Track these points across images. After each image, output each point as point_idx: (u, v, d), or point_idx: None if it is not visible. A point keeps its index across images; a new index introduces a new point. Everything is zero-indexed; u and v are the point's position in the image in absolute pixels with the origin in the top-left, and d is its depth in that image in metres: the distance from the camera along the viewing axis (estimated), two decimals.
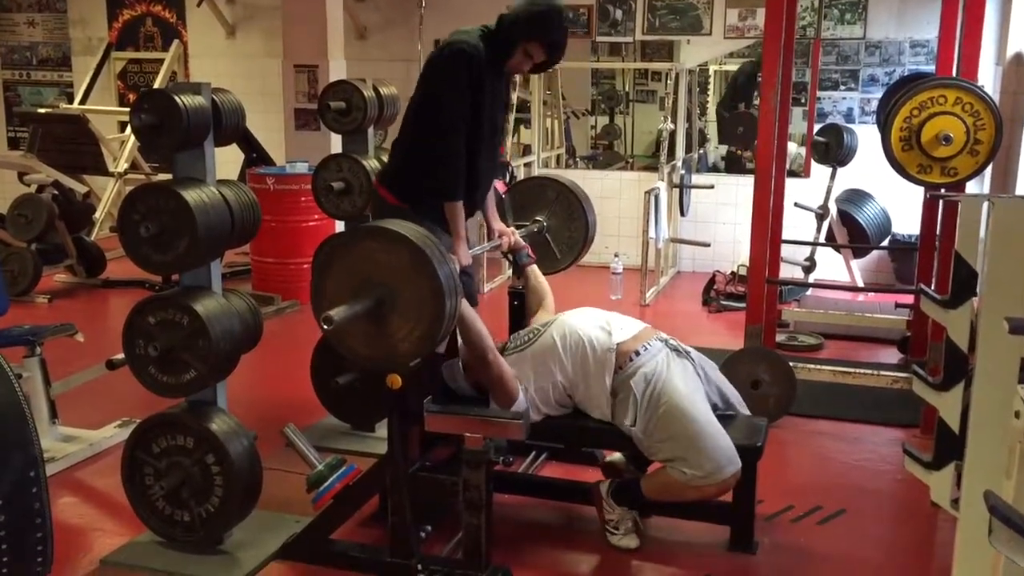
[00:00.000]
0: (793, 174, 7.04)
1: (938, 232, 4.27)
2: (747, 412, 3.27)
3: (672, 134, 7.30)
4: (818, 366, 4.38)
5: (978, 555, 2.07)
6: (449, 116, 3.20)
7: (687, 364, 3.10)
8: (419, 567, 2.84)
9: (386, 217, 3.28)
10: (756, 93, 9.59)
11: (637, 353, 3.04)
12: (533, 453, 3.79)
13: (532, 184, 4.02)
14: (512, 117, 8.25)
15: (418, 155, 3.30)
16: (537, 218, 3.84)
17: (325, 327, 2.33)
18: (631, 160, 10.41)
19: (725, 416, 3.16)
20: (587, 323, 3.14)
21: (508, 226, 3.64)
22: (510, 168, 7.19)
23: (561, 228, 3.85)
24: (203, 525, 3.00)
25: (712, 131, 9.97)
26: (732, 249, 7.31)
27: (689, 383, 3.03)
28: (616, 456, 3.45)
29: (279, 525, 3.17)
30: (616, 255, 6.83)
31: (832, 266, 6.83)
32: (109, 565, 3.02)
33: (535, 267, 3.61)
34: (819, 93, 7.30)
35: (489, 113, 3.30)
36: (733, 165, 9.20)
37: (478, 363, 2.97)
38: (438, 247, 2.48)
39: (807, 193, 6.64)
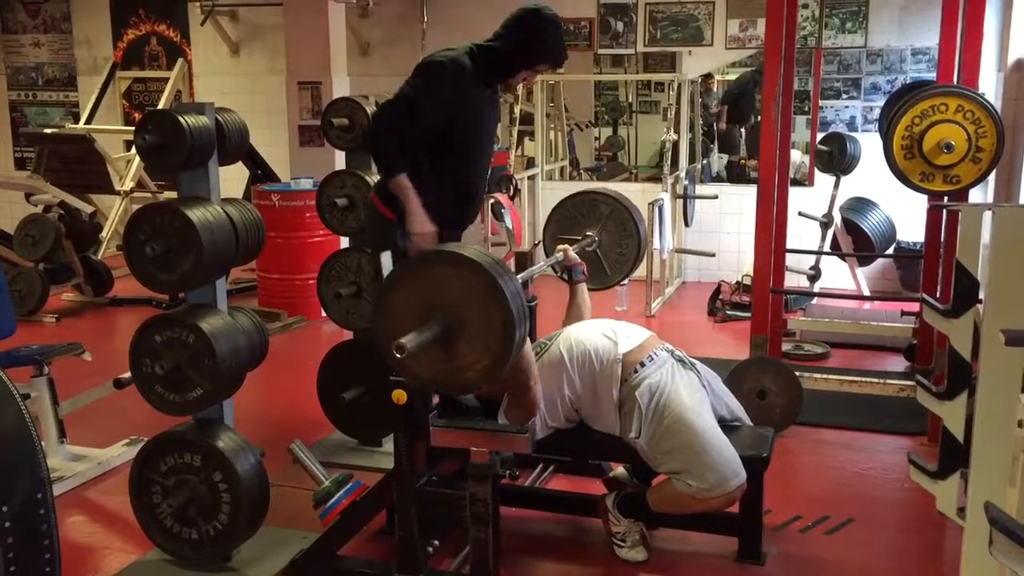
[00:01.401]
0: (797, 183, 7.05)
1: (942, 240, 4.26)
2: (750, 424, 3.27)
3: (675, 145, 7.31)
4: (824, 375, 4.37)
5: (984, 564, 2.07)
6: (407, 102, 3.20)
7: (692, 375, 3.11)
8: None
9: (375, 225, 3.32)
10: (752, 105, 9.68)
11: (643, 364, 3.04)
12: (540, 466, 3.79)
13: (584, 198, 3.94)
14: (515, 130, 8.29)
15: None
16: (588, 233, 3.80)
17: (397, 355, 2.27)
18: (635, 171, 10.43)
19: (731, 426, 3.17)
20: (593, 334, 3.14)
21: (557, 243, 3.64)
22: (514, 181, 7.21)
23: (613, 244, 3.81)
24: (211, 542, 3.01)
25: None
26: (737, 259, 7.32)
27: (694, 395, 3.03)
28: (619, 471, 3.45)
29: (287, 541, 3.17)
30: None
31: (837, 275, 6.83)
32: None
33: (584, 284, 3.60)
34: (821, 102, 7.30)
35: (475, 125, 3.33)
36: (734, 175, 9.24)
37: (519, 387, 2.90)
38: (511, 276, 2.44)
39: (811, 202, 6.65)
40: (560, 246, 3.58)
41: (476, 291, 2.36)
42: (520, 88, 8.81)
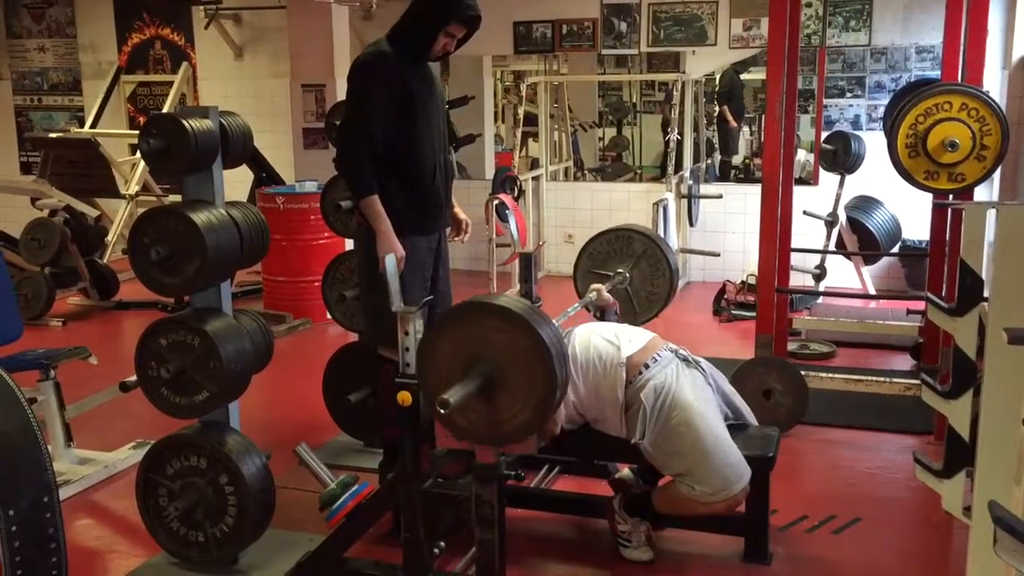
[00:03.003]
0: (802, 182, 7.04)
1: (947, 239, 4.26)
2: (755, 423, 3.27)
3: (679, 144, 7.30)
4: (830, 374, 4.36)
5: (991, 563, 2.06)
6: (355, 120, 3.26)
7: (697, 375, 3.10)
8: None
9: (365, 233, 3.33)
10: (742, 100, 9.69)
11: (647, 366, 3.03)
12: (545, 467, 3.79)
13: (619, 235, 3.88)
14: (520, 131, 8.29)
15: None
16: (619, 270, 3.78)
17: (441, 411, 2.29)
18: (639, 171, 10.43)
19: (736, 425, 3.16)
20: (596, 338, 3.13)
21: (592, 282, 3.62)
22: (518, 182, 7.22)
23: (644, 283, 3.77)
24: (217, 545, 3.02)
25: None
26: (742, 258, 7.31)
27: (699, 395, 3.03)
28: (625, 472, 3.45)
29: (293, 544, 3.18)
30: None
31: (843, 274, 6.81)
32: None
33: None
34: (826, 100, 7.29)
35: (422, 105, 3.32)
36: (727, 175, 9.27)
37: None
38: (556, 332, 2.45)
39: (816, 201, 6.64)
40: (594, 285, 3.55)
41: (522, 349, 2.39)
42: (523, 89, 8.85)
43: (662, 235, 6.48)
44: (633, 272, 3.79)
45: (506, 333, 2.40)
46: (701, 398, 3.02)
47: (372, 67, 3.26)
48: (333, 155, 3.42)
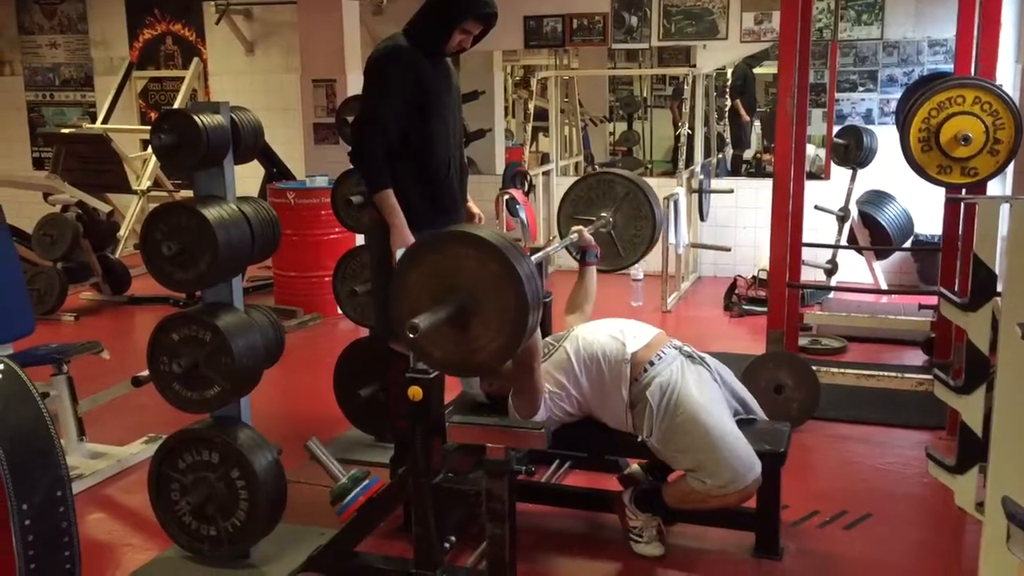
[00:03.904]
0: (813, 176, 7.02)
1: (960, 233, 4.24)
2: (764, 417, 3.26)
3: (690, 139, 7.28)
4: (841, 370, 4.35)
5: (1003, 559, 2.05)
6: (370, 114, 3.25)
7: (702, 371, 3.09)
8: None
9: (376, 225, 3.33)
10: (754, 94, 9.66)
11: (651, 363, 3.02)
12: (556, 462, 3.79)
13: (601, 179, 3.91)
14: (530, 126, 8.29)
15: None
16: (603, 214, 3.77)
17: (410, 335, 2.25)
18: (650, 166, 10.42)
19: (747, 420, 3.16)
20: (600, 336, 3.11)
21: (572, 223, 3.61)
22: (528, 177, 7.22)
23: (627, 226, 3.78)
24: (229, 539, 3.03)
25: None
26: (753, 253, 7.29)
27: (705, 391, 3.02)
28: (634, 467, 3.44)
29: (304, 538, 3.19)
30: None
31: (854, 268, 6.79)
32: None
33: (594, 267, 3.58)
34: (838, 95, 7.26)
35: (437, 100, 3.32)
36: (737, 168, 9.27)
37: (522, 369, 2.89)
38: (528, 261, 2.42)
39: (828, 195, 6.61)
40: (575, 227, 3.56)
41: (491, 273, 2.35)
42: (533, 83, 8.84)
43: (673, 230, 6.48)
44: (616, 215, 3.79)
45: (475, 260, 2.36)
46: (706, 394, 3.01)
47: (388, 61, 3.26)
48: (348, 150, 3.42)
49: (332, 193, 4.34)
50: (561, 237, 3.74)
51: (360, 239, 4.72)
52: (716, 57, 7.78)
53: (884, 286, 6.64)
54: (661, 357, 3.04)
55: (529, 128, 8.29)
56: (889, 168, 6.25)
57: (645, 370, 3.01)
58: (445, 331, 2.40)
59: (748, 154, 9.76)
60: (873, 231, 6.57)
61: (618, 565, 3.15)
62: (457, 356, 2.45)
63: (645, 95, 11.19)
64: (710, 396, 3.02)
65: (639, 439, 2.98)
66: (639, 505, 3.16)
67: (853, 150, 6.46)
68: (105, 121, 8.88)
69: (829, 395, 4.26)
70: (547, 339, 3.25)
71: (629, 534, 3.18)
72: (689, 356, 3.11)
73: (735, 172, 9.19)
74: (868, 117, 7.27)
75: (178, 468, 3.04)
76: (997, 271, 2.60)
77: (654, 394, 2.96)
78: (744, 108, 9.51)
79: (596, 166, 9.91)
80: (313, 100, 7.17)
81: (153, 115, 8.86)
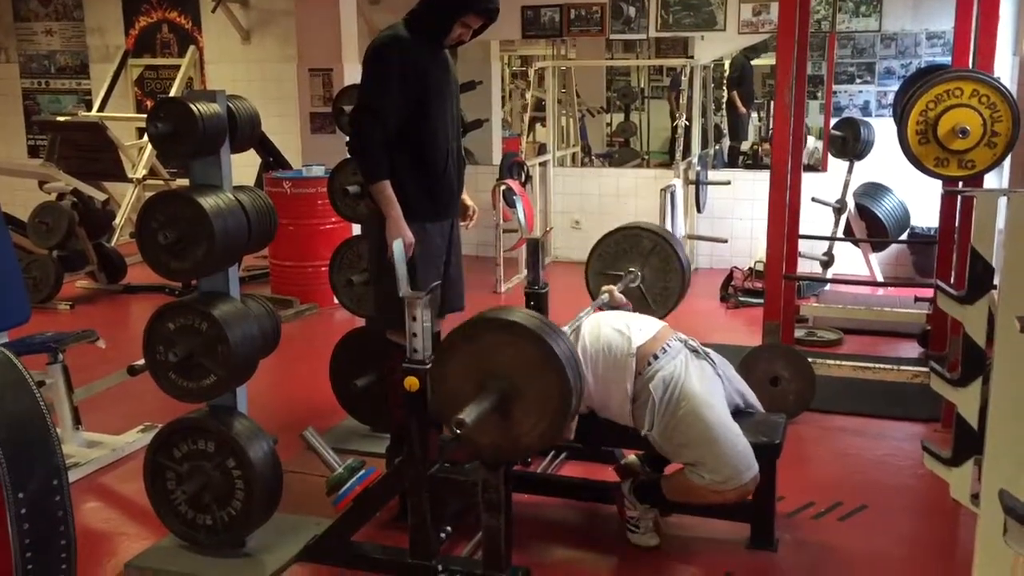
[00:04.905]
0: (810, 168, 7.01)
1: (957, 226, 4.23)
2: (762, 410, 3.27)
3: (688, 130, 7.27)
4: (837, 361, 4.36)
5: (998, 552, 2.05)
6: (369, 104, 3.23)
7: (705, 366, 3.09)
8: (439, 568, 2.85)
9: (374, 215, 3.32)
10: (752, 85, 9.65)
11: (656, 356, 3.02)
12: (552, 452, 3.79)
13: (626, 234, 3.86)
14: (527, 117, 8.27)
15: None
16: (631, 269, 3.76)
17: (457, 431, 2.29)
18: (647, 157, 10.41)
19: (744, 413, 3.16)
20: (605, 329, 3.11)
21: (603, 283, 3.60)
22: (525, 167, 7.20)
23: (656, 279, 3.76)
24: (225, 528, 3.03)
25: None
26: (750, 245, 7.29)
27: (707, 386, 3.02)
28: (631, 458, 3.45)
29: (300, 528, 3.19)
30: None
31: (851, 261, 6.79)
32: (133, 569, 3.05)
33: None
34: (835, 87, 7.25)
35: (436, 91, 3.31)
36: (734, 159, 9.26)
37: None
38: (564, 338, 2.44)
39: (824, 187, 6.61)
40: (605, 287, 3.54)
41: (533, 360, 2.37)
42: (530, 74, 8.81)
43: (669, 221, 6.47)
44: (644, 269, 3.77)
45: (513, 347, 2.39)
46: (709, 389, 3.02)
47: (388, 51, 3.24)
48: (345, 140, 3.40)
49: (329, 182, 4.33)
50: (590, 294, 3.73)
51: (356, 229, 4.71)
52: (714, 48, 7.77)
53: (880, 278, 6.65)
54: (666, 350, 3.04)
55: (526, 118, 8.28)
56: (886, 160, 6.26)
57: (649, 363, 3.01)
58: (490, 419, 2.44)
59: (745, 146, 9.75)
60: (870, 223, 6.58)
61: (614, 555, 3.16)
62: (503, 442, 2.50)
63: (643, 86, 11.17)
64: (712, 391, 3.02)
65: (642, 433, 2.98)
66: (638, 496, 3.16)
67: (850, 142, 6.46)
68: (101, 109, 8.84)
69: (825, 387, 4.27)
70: None
71: (626, 524, 3.19)
72: (694, 350, 3.11)
73: (732, 164, 9.18)
74: (866, 109, 7.26)
75: (174, 457, 3.04)
76: (994, 264, 2.60)
77: (657, 387, 2.96)
78: (741, 99, 9.50)
79: (594, 157, 9.90)
80: (310, 89, 7.14)
81: (149, 103, 8.83)
